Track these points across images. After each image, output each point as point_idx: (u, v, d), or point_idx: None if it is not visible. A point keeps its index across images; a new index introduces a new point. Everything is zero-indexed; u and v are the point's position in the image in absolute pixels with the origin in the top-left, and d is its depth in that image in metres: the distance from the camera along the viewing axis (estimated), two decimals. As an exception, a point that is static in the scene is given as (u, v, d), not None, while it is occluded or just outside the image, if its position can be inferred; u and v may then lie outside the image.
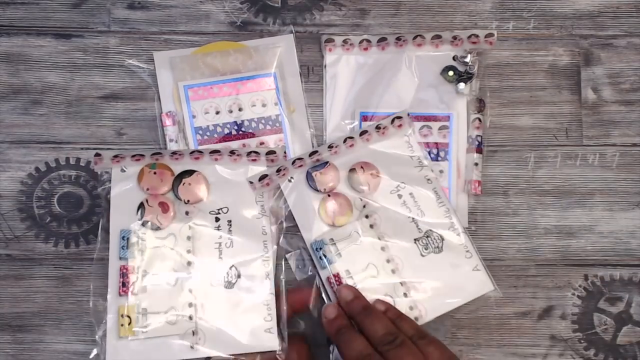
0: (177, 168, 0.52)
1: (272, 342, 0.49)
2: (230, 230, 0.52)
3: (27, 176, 0.55)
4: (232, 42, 0.55)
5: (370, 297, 0.50)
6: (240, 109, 0.55)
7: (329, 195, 0.53)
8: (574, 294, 0.55)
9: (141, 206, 0.51)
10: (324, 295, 0.51)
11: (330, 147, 0.53)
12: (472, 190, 0.54)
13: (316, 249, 0.52)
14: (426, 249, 0.52)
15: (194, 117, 0.54)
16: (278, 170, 0.53)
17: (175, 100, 0.54)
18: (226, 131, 0.54)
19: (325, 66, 0.56)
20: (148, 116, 0.55)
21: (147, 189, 0.51)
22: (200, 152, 0.52)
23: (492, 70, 0.56)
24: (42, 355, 0.53)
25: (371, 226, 0.53)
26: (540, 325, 0.54)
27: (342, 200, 0.53)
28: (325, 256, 0.51)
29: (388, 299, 0.51)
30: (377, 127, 0.53)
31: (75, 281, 0.54)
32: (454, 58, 0.55)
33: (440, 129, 0.55)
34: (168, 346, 0.48)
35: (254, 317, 0.50)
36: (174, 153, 0.52)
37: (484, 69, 0.56)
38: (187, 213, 0.51)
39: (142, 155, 0.52)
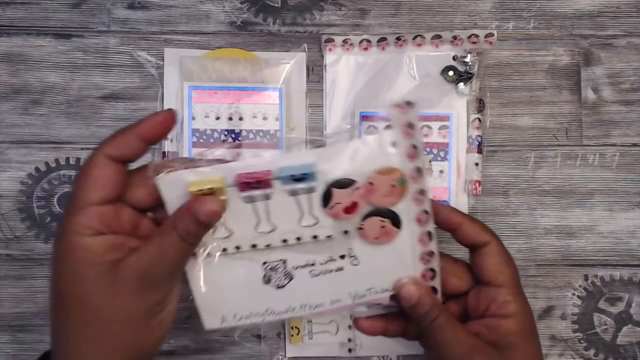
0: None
1: None
2: None
3: (27, 176, 0.55)
4: (243, 50, 0.55)
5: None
6: (240, 118, 0.54)
7: None
8: (574, 294, 0.55)
9: None
10: None
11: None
12: (472, 191, 0.54)
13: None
14: None
15: (193, 118, 0.54)
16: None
17: (178, 99, 0.54)
18: (222, 138, 0.54)
19: (325, 66, 0.56)
20: (148, 116, 0.55)
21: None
22: None
23: (492, 70, 0.56)
24: (42, 355, 0.53)
25: None
26: (540, 325, 0.54)
27: None
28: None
29: None
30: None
31: (76, 281, 0.54)
32: (454, 58, 0.55)
33: (440, 129, 0.55)
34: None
35: None
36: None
37: (484, 69, 0.56)
38: None
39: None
